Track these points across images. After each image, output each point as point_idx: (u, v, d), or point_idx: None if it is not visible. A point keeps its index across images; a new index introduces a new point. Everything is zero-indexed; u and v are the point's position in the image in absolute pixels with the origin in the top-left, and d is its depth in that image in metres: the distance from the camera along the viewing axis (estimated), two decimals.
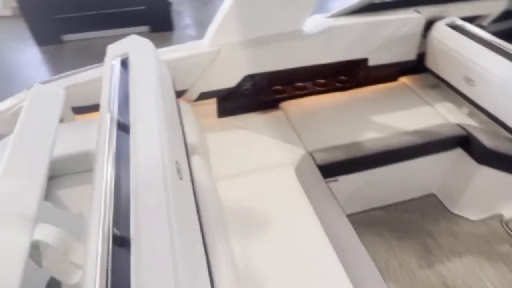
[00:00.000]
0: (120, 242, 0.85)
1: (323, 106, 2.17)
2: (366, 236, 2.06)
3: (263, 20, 1.90)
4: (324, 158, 1.82)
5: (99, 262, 0.78)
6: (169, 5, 4.78)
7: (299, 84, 2.29)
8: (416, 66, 2.32)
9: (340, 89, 2.30)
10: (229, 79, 1.98)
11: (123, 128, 1.17)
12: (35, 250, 0.88)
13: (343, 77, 2.33)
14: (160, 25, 4.77)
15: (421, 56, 2.29)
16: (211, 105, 2.09)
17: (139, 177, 0.98)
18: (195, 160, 1.55)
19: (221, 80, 1.97)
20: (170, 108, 1.46)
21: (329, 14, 2.11)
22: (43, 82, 1.85)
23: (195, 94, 1.95)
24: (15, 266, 0.80)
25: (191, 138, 1.64)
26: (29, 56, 4.51)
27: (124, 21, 4.65)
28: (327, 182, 1.82)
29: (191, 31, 4.96)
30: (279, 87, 2.24)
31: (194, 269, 0.89)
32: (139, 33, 5.39)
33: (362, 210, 2.18)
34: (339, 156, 1.84)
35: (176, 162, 1.14)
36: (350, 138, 1.90)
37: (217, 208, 1.40)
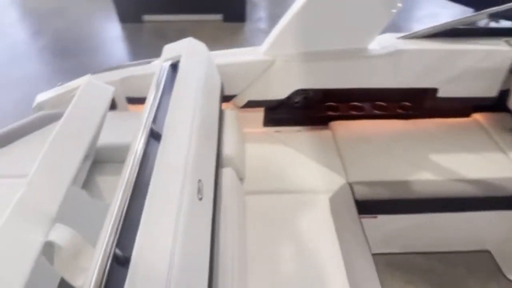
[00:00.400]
0: (121, 261, 0.86)
1: (377, 132, 2.00)
2: (395, 281, 1.89)
3: (327, 34, 1.79)
4: (365, 193, 1.68)
5: (94, 279, 0.80)
6: None
7: (355, 103, 2.14)
8: (495, 104, 2.02)
9: (400, 117, 2.10)
10: (280, 91, 1.92)
11: (155, 136, 1.18)
12: (49, 249, 0.93)
13: (407, 103, 2.12)
14: (233, 15, 4.81)
15: (503, 94, 1.99)
16: (258, 112, 2.05)
17: (155, 194, 0.98)
18: (227, 173, 1.53)
19: (272, 90, 1.91)
20: (210, 116, 1.45)
21: (402, 34, 1.91)
22: (106, 69, 1.96)
23: (243, 101, 1.92)
24: (25, 261, 0.84)
25: (228, 149, 1.62)
26: (111, 32, 4.86)
27: (200, 7, 4.76)
28: (364, 217, 1.69)
29: (263, 25, 4.93)
30: (333, 104, 2.12)
31: None
32: (213, 21, 5.51)
33: (399, 251, 2.00)
34: (383, 194, 1.69)
35: (199, 181, 1.13)
36: (400, 174, 1.72)
37: (237, 228, 1.38)
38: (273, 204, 1.62)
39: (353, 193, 1.67)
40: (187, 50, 1.57)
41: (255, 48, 1.91)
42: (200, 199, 1.11)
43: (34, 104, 1.92)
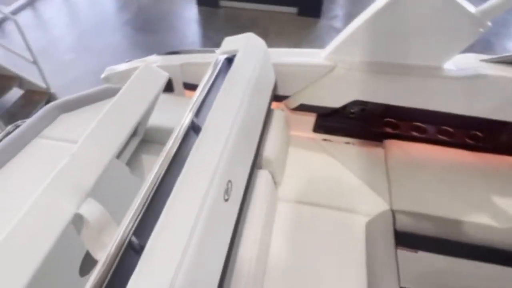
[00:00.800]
0: (135, 248, 0.89)
1: (436, 159, 1.82)
2: None
3: (399, 46, 1.64)
4: (408, 224, 1.54)
5: (107, 262, 0.83)
6: None
7: (418, 124, 1.96)
8: None
9: (468, 147, 1.88)
10: (336, 99, 1.82)
11: (195, 128, 1.19)
12: (79, 221, 0.99)
13: (478, 134, 1.89)
14: (308, 9, 4.69)
15: None
16: (310, 117, 1.97)
17: (181, 189, 0.98)
18: (263, 175, 1.50)
19: (327, 97, 1.82)
20: (255, 116, 1.42)
21: (486, 57, 1.69)
22: (172, 52, 2.02)
23: (295, 103, 1.86)
24: (53, 229, 0.90)
25: (269, 151, 1.58)
26: (188, 13, 5.03)
27: None
28: (401, 249, 1.56)
29: (338, 23, 4.74)
30: (393, 121, 1.96)
31: None
32: (287, 13, 5.42)
33: None
34: (428, 230, 1.54)
35: (228, 182, 1.12)
36: (453, 212, 1.54)
37: (262, 233, 1.35)
38: (305, 216, 1.56)
39: (394, 221, 1.54)
40: (245, 45, 1.55)
41: (316, 51, 1.82)
42: (226, 200, 1.10)
43: (102, 76, 2.06)
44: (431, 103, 1.75)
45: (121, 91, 1.27)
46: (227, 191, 1.10)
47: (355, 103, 1.86)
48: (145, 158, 1.73)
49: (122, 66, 2.04)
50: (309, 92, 1.81)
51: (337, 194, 1.64)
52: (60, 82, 3.68)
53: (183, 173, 1.02)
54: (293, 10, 4.77)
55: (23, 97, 3.36)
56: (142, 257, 0.84)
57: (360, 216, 1.55)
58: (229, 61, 1.50)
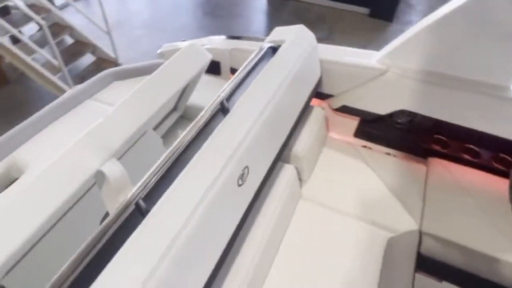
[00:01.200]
0: (142, 211, 0.93)
1: (485, 189, 1.64)
2: None
3: (462, 58, 1.50)
4: (435, 250, 1.42)
5: (111, 218, 0.88)
6: None
7: (472, 146, 1.78)
8: None
9: None
10: (382, 106, 1.72)
11: (224, 111, 1.21)
12: (101, 178, 1.06)
13: None
14: (381, 11, 4.46)
15: None
16: (353, 120, 1.89)
17: (196, 166, 1.01)
18: (288, 170, 1.48)
19: (372, 102, 1.72)
20: (288, 108, 1.40)
21: None
22: (229, 37, 2.05)
23: (337, 103, 1.79)
24: (74, 180, 0.98)
25: (300, 146, 1.55)
26: (258, 3, 5.07)
27: None
28: (423, 275, 1.45)
29: None
30: (443, 138, 1.80)
31: (185, 274, 0.90)
32: (357, 13, 5.24)
33: None
34: (459, 261, 1.40)
35: (246, 168, 1.12)
36: (490, 247, 1.39)
37: (274, 225, 1.34)
38: (325, 220, 1.51)
39: (419, 243, 1.43)
40: (293, 36, 1.52)
41: (370, 52, 1.73)
42: (240, 185, 1.11)
43: (158, 51, 2.17)
44: (491, 126, 1.57)
45: (162, 66, 1.33)
46: (242, 176, 1.11)
47: (403, 113, 1.74)
48: (181, 134, 1.80)
49: (178, 44, 2.12)
50: (354, 94, 1.73)
51: (364, 204, 1.56)
52: (128, 54, 3.95)
53: (201, 150, 1.04)
54: (364, 10, 4.58)
55: (94, 63, 3.67)
56: (146, 219, 0.88)
57: (383, 231, 1.46)
58: (274, 50, 1.49)
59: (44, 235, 1.11)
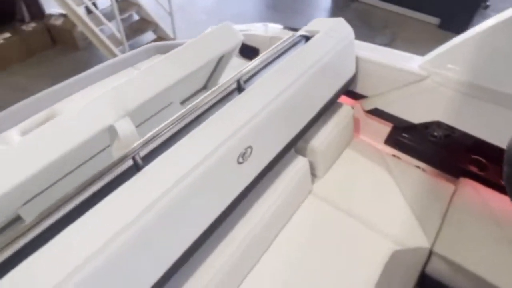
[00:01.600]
0: (138, 166, 0.98)
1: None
2: None
3: (507, 72, 1.35)
4: (443, 272, 1.31)
5: (110, 167, 0.94)
6: (477, 5, 4.01)
7: None
8: None
9: None
10: (416, 114, 1.61)
11: (240, 89, 1.22)
12: (113, 133, 1.13)
13: None
14: (452, 23, 4.13)
15: None
16: (386, 126, 1.80)
17: (198, 134, 1.04)
18: (300, 162, 1.45)
19: (406, 109, 1.62)
20: (309, 99, 1.37)
21: None
22: (286, 27, 2.04)
23: (369, 105, 1.72)
24: (89, 128, 1.05)
25: (317, 141, 1.51)
26: (322, 1, 4.99)
27: (417, 3, 4.29)
28: None
29: None
30: (482, 160, 1.65)
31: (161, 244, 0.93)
32: (425, 23, 4.90)
33: None
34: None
35: (249, 148, 1.12)
36: (504, 282, 1.25)
37: (273, 215, 1.33)
38: (330, 220, 1.46)
39: (426, 262, 1.33)
40: (329, 28, 1.48)
41: (413, 56, 1.63)
42: (240, 163, 1.11)
43: (205, 32, 2.24)
44: None
45: (192, 40, 1.37)
46: (243, 155, 1.11)
47: (439, 126, 1.62)
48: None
49: None
50: (388, 98, 1.64)
51: (376, 212, 1.48)
52: (186, 36, 4.12)
53: (207, 121, 1.07)
54: (434, 20, 4.28)
55: (153, 41, 3.88)
56: (137, 174, 0.93)
57: (390, 242, 1.38)
58: (308, 40, 1.47)
59: (60, 179, 1.21)
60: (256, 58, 1.32)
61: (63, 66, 3.68)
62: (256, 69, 1.35)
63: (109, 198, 0.87)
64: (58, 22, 3.75)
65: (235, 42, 1.46)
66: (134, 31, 3.73)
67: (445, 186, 1.60)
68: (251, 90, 1.19)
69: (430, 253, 1.35)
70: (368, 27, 4.38)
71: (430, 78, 1.51)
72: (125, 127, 1.09)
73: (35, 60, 3.76)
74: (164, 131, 1.05)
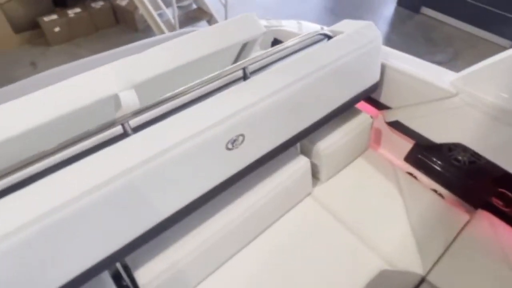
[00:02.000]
0: (127, 133, 1.03)
1: None
2: None
3: None
4: None
5: (99, 131, 1.00)
6: None
7: None
8: None
9: None
10: (438, 132, 1.49)
11: (245, 76, 1.22)
12: (117, 102, 1.19)
13: None
14: None
15: None
16: (408, 142, 1.69)
17: (191, 113, 1.05)
18: (301, 161, 1.42)
19: (428, 126, 1.51)
20: (319, 100, 1.33)
21: None
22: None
23: (391, 117, 1.62)
24: (92, 95, 1.11)
25: (324, 144, 1.47)
26: (384, 10, 4.78)
27: (487, 23, 3.94)
28: None
29: None
30: (509, 194, 1.48)
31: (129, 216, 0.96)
32: (495, 44, 4.52)
33: None
34: None
35: (241, 135, 1.12)
36: None
37: (260, 214, 1.31)
38: (324, 227, 1.41)
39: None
40: (355, 31, 1.42)
41: (448, 72, 1.51)
42: (230, 149, 1.11)
43: None
44: None
45: (213, 25, 1.40)
46: (234, 142, 1.11)
47: (466, 150, 1.49)
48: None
49: (262, 21, 2.18)
50: (411, 112, 1.54)
51: (374, 228, 1.40)
52: None
53: (202, 102, 1.08)
54: (505, 43, 3.91)
55: None
56: (124, 140, 0.97)
57: (380, 260, 1.30)
58: (330, 39, 1.43)
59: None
60: (268, 50, 1.31)
61: (121, 44, 3.94)
62: (268, 61, 1.34)
63: (89, 158, 0.92)
64: (123, 3, 4.04)
65: (257, 32, 1.46)
66: (188, 19, 3.89)
67: (459, 215, 1.46)
68: (255, 79, 1.18)
69: (422, 280, 1.25)
70: (430, 42, 4.12)
71: (459, 96, 1.39)
72: (128, 98, 1.14)
73: (98, 36, 4.08)
74: (159, 105, 1.09)
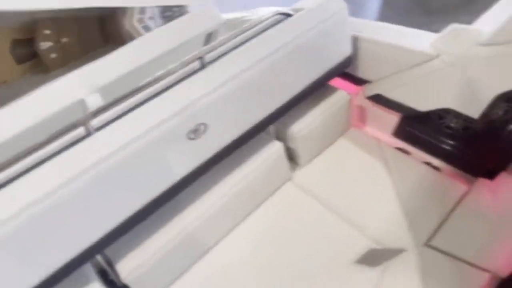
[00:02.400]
0: (90, 133, 1.02)
1: None
2: None
3: None
4: None
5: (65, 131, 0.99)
6: None
7: None
8: None
9: None
10: (422, 100, 1.39)
11: (203, 65, 1.19)
12: (84, 106, 1.17)
13: None
14: None
15: None
16: (395, 115, 1.58)
17: (152, 105, 1.04)
18: (272, 147, 1.36)
19: (410, 94, 1.40)
20: (284, 81, 1.27)
21: None
22: None
23: (370, 90, 1.52)
24: (61, 101, 1.12)
25: (298, 127, 1.40)
26: None
27: None
28: None
29: None
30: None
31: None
32: None
33: None
34: None
35: (202, 124, 1.08)
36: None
37: (233, 203, 1.26)
38: (307, 211, 1.35)
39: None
40: (316, 6, 1.34)
41: (426, 33, 1.39)
42: (192, 139, 1.08)
43: None
44: None
45: (173, 21, 1.39)
46: (195, 132, 1.08)
47: (457, 115, 1.37)
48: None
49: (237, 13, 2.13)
50: (391, 83, 1.44)
51: (361, 208, 1.32)
52: None
53: (160, 96, 1.07)
54: None
55: None
56: (86, 139, 0.97)
57: (367, 240, 1.23)
58: (287, 15, 1.36)
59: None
60: (224, 37, 1.26)
61: None
62: (227, 49, 1.29)
63: (55, 160, 0.92)
64: None
65: (215, 22, 1.43)
66: None
67: (456, 186, 1.35)
68: (212, 67, 1.15)
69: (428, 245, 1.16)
70: (426, 13, 3.92)
71: (440, 58, 1.28)
72: (94, 102, 1.13)
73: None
74: (118, 103, 1.07)
